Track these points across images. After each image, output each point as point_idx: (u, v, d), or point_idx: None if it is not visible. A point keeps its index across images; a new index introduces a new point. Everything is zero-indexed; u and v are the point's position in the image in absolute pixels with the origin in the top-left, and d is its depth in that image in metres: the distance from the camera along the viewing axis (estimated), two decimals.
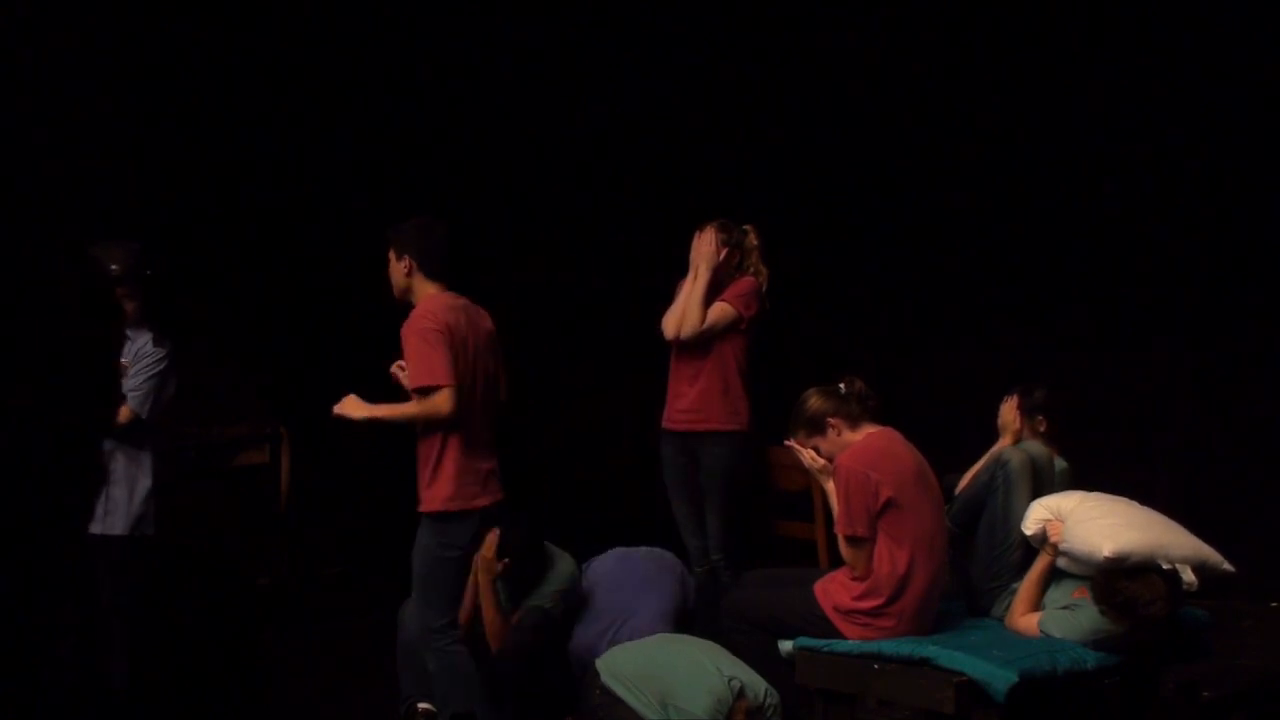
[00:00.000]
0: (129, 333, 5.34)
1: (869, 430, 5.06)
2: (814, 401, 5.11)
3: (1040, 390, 5.51)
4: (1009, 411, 5.49)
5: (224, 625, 6.04)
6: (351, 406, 5.17)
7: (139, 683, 5.31)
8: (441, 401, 5.06)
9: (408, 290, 5.28)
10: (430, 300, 5.22)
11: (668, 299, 5.94)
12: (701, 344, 5.78)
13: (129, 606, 5.25)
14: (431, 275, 5.26)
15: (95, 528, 5.22)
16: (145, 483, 5.29)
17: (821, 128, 8.15)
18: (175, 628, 5.71)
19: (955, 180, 7.83)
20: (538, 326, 7.87)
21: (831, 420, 5.07)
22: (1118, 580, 4.71)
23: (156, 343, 5.30)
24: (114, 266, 5.30)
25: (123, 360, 5.30)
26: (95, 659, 5.30)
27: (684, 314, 5.78)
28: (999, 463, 5.21)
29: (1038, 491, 5.17)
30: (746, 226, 5.92)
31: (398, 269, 5.27)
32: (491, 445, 5.28)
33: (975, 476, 5.31)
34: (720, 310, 5.78)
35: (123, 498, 5.25)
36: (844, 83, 8.04)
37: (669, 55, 8.08)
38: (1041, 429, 5.48)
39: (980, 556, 5.19)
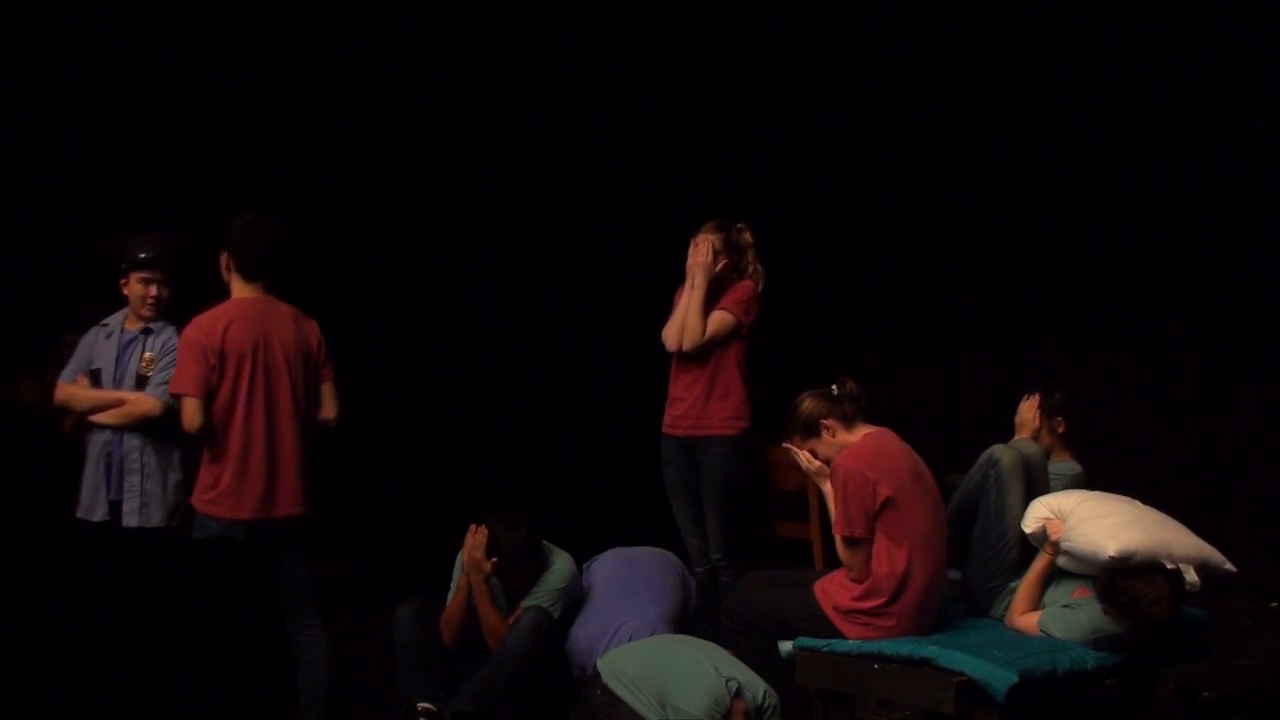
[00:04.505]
0: (152, 325, 5.37)
1: (864, 430, 5.05)
2: (807, 405, 5.10)
3: (1061, 392, 5.47)
4: (1028, 410, 5.46)
5: (223, 625, 6.02)
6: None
7: (155, 676, 5.35)
8: (186, 411, 5.05)
9: (228, 286, 5.18)
10: (219, 307, 5.14)
11: (667, 299, 5.93)
12: (703, 352, 5.78)
13: (164, 597, 5.30)
14: (248, 276, 5.16)
15: (131, 521, 5.26)
16: (175, 475, 5.35)
17: (821, 128, 8.17)
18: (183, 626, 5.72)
19: (955, 180, 7.84)
20: (538, 326, 7.88)
21: (825, 422, 5.05)
22: (1122, 580, 4.69)
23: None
24: (143, 254, 5.32)
25: (147, 354, 5.33)
26: (128, 654, 5.32)
27: (684, 325, 5.77)
28: (990, 462, 5.18)
29: (1030, 490, 5.14)
30: (740, 224, 5.90)
31: (221, 263, 5.19)
32: (272, 462, 5.11)
33: (968, 476, 5.27)
34: (720, 319, 5.77)
35: (157, 491, 5.30)
36: (844, 83, 8.06)
37: (669, 55, 8.09)
38: (1060, 430, 5.45)
39: (976, 557, 5.16)
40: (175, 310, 5.42)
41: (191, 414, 5.04)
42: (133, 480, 5.28)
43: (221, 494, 5.08)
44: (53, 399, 5.42)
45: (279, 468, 5.12)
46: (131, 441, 5.29)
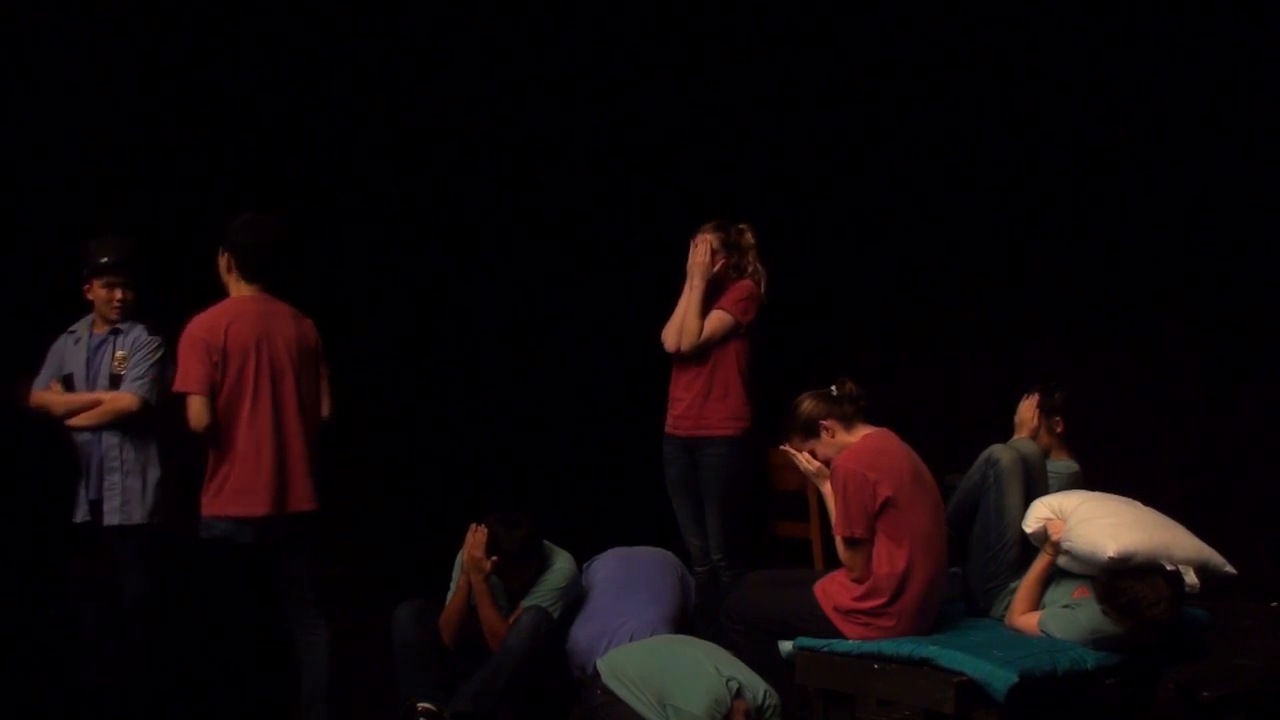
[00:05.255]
0: (120, 326, 5.40)
1: (864, 431, 5.05)
2: (807, 405, 5.10)
3: (1061, 392, 5.47)
4: (1027, 409, 5.46)
5: (222, 625, 6.03)
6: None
7: (152, 677, 5.35)
8: (192, 410, 4.99)
9: (226, 286, 5.16)
10: (219, 306, 5.11)
11: (667, 299, 5.93)
12: (701, 352, 5.78)
13: (152, 595, 5.31)
14: (248, 276, 5.12)
15: (112, 519, 5.27)
16: (155, 472, 5.37)
17: (821, 128, 8.16)
18: (180, 626, 5.73)
19: (955, 180, 7.84)
20: (538, 326, 7.88)
21: (825, 423, 5.05)
22: (1122, 581, 4.68)
23: (151, 331, 5.39)
24: (105, 259, 5.36)
25: (119, 353, 5.36)
26: (115, 651, 5.32)
27: (682, 326, 5.77)
28: (989, 462, 5.17)
29: (1029, 489, 5.14)
30: (742, 225, 5.90)
31: (219, 263, 5.16)
32: (282, 458, 5.07)
33: (967, 476, 5.27)
34: (718, 319, 5.77)
35: (137, 487, 5.31)
36: (844, 83, 8.05)
37: (669, 55, 8.09)
38: (1058, 429, 5.44)
39: (976, 556, 5.16)
40: (139, 311, 5.46)
41: (198, 412, 5.01)
42: (113, 479, 5.30)
43: (231, 493, 5.05)
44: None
45: (289, 464, 5.11)
46: (110, 440, 5.32)
